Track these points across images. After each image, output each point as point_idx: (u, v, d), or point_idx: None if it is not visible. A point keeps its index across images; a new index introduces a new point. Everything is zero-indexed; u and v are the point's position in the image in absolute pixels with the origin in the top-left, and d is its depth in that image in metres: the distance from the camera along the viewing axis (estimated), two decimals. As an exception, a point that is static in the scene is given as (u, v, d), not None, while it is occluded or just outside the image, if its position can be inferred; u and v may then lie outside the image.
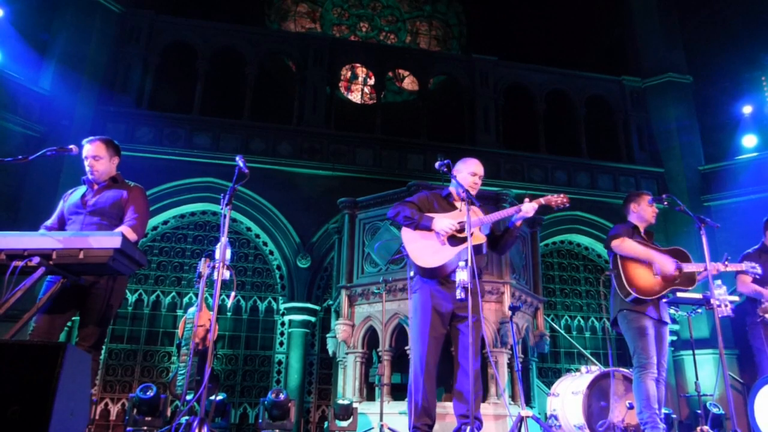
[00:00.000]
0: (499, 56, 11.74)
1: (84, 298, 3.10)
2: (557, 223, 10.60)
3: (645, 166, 11.41)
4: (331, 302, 8.04)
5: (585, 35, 13.42)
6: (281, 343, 9.48)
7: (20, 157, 3.20)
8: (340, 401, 6.12)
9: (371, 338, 6.70)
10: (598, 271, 10.81)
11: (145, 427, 5.92)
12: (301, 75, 10.86)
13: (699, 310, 5.36)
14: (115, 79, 9.93)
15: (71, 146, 3.29)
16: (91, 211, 3.29)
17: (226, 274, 3.07)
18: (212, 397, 6.17)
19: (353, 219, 7.15)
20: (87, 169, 3.36)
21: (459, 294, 3.02)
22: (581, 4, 13.24)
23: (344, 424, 6.04)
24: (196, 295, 9.06)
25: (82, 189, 3.42)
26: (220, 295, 3.12)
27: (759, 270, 4.00)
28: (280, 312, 9.57)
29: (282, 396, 6.36)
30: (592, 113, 11.81)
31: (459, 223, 3.31)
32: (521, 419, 3.66)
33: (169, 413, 6.59)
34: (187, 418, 2.89)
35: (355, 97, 13.90)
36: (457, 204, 3.53)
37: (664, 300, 3.99)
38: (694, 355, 5.70)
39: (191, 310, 6.56)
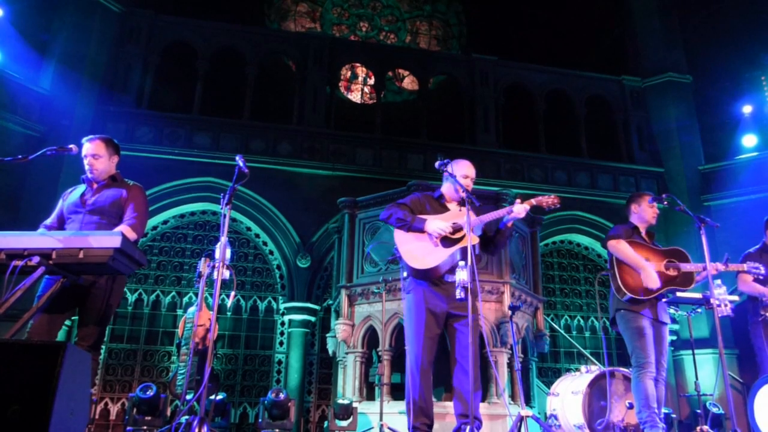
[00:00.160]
0: (499, 56, 11.74)
1: (83, 297, 3.10)
2: (557, 223, 10.61)
3: (645, 165, 11.41)
4: (331, 302, 8.04)
5: (585, 35, 13.42)
6: (281, 343, 9.48)
7: (20, 156, 3.20)
8: (340, 401, 6.12)
9: (371, 338, 6.71)
10: (598, 270, 10.81)
11: (145, 427, 5.92)
12: (301, 75, 10.86)
13: (699, 310, 5.36)
14: (115, 78, 9.93)
15: (71, 146, 3.29)
16: (90, 209, 3.29)
17: (226, 274, 3.07)
18: (212, 397, 6.17)
19: (353, 219, 7.16)
20: (86, 167, 3.36)
21: (459, 294, 3.02)
22: (581, 4, 13.24)
23: (344, 423, 6.04)
24: (196, 294, 9.07)
25: (81, 188, 3.42)
26: (220, 294, 3.12)
27: (762, 270, 3.99)
28: (280, 312, 9.57)
29: (282, 395, 6.37)
30: (592, 113, 11.81)
31: (452, 224, 3.32)
32: (521, 419, 3.66)
33: (169, 413, 6.60)
34: (187, 417, 2.89)
35: (355, 96, 13.90)
36: (449, 205, 3.54)
37: (663, 300, 3.99)
38: (693, 354, 5.70)
39: (191, 309, 6.56)
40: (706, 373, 9.09)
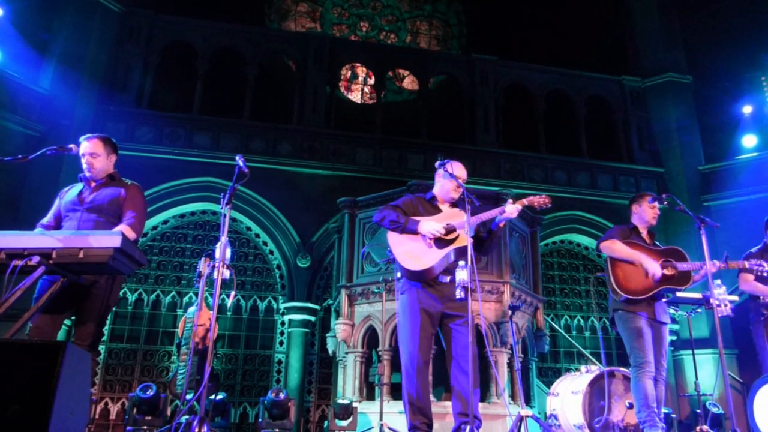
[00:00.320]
0: (499, 56, 11.74)
1: (81, 297, 3.10)
2: (557, 223, 10.61)
3: (645, 165, 11.41)
4: (331, 302, 8.04)
5: (585, 35, 13.41)
6: (281, 343, 9.48)
7: (20, 156, 3.20)
8: (340, 401, 6.12)
9: (371, 338, 6.71)
10: (598, 270, 10.81)
11: (145, 427, 5.92)
12: (301, 74, 10.86)
13: (699, 310, 5.36)
14: (115, 78, 9.93)
15: (71, 145, 3.30)
16: (88, 207, 3.29)
17: (226, 274, 3.07)
18: (212, 397, 6.17)
19: (353, 218, 7.16)
20: (84, 166, 3.36)
21: (459, 293, 3.03)
22: (581, 4, 13.24)
23: (344, 423, 6.04)
24: (196, 294, 9.07)
25: (78, 186, 3.42)
26: (220, 294, 3.12)
27: (766, 266, 3.98)
28: (280, 311, 9.57)
29: (282, 395, 6.37)
30: (592, 113, 11.81)
31: (445, 226, 3.34)
32: (521, 419, 3.67)
33: (169, 412, 6.60)
34: (187, 417, 2.89)
35: (355, 96, 13.90)
36: (441, 206, 3.56)
37: (663, 300, 4.00)
38: (693, 354, 5.70)
39: (191, 309, 6.56)
40: (706, 373, 9.09)
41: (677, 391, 9.72)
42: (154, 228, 9.52)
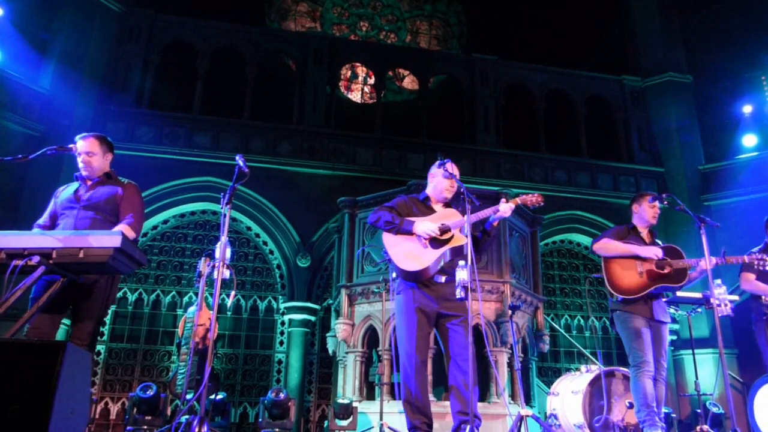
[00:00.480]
0: (499, 56, 11.74)
1: (80, 296, 3.10)
2: (557, 223, 10.61)
3: (645, 165, 11.41)
4: (331, 301, 8.04)
5: (585, 35, 13.41)
6: (281, 343, 9.48)
7: (20, 156, 3.20)
8: (340, 400, 6.12)
9: (371, 337, 6.71)
10: (598, 270, 10.79)
11: (145, 427, 5.92)
12: (301, 74, 10.86)
13: (699, 310, 5.35)
14: (115, 78, 9.93)
15: (71, 145, 3.31)
16: (85, 205, 3.30)
17: (226, 274, 3.07)
18: (212, 397, 6.17)
19: (353, 218, 7.16)
20: (80, 165, 3.37)
21: (459, 293, 3.03)
22: (581, 4, 13.23)
23: (344, 423, 6.04)
24: (196, 294, 9.06)
25: (74, 185, 3.43)
26: (220, 294, 3.12)
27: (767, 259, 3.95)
28: (280, 311, 9.57)
29: (282, 395, 6.37)
30: (592, 113, 11.81)
31: (440, 226, 3.34)
32: (521, 418, 3.67)
33: (169, 412, 6.60)
34: (187, 417, 2.89)
35: (355, 96, 13.89)
36: (435, 206, 3.57)
37: (663, 299, 4.00)
38: (693, 354, 5.70)
39: (191, 309, 6.56)
40: (706, 372, 9.09)
41: (677, 390, 9.72)
42: (154, 228, 9.52)
